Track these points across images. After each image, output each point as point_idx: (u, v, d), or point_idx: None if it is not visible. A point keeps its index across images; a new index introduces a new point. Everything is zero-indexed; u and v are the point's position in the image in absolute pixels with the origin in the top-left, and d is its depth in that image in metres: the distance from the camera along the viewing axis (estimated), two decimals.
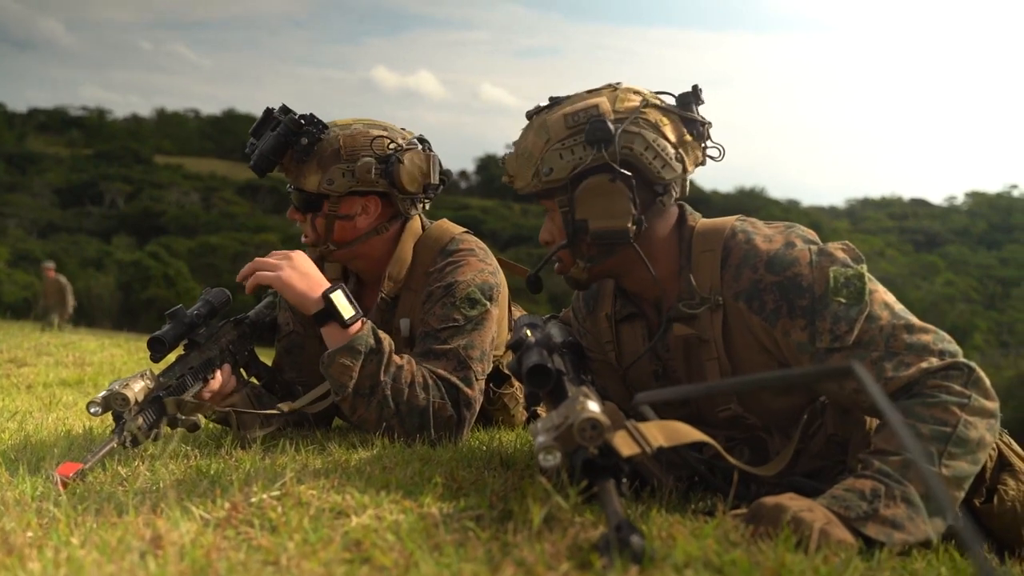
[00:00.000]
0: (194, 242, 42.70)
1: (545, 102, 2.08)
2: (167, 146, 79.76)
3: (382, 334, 2.41)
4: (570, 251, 2.05)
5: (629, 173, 1.95)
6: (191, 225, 48.36)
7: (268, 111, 2.62)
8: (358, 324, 2.38)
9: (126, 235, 47.12)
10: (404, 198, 2.65)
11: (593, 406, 1.43)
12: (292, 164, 2.59)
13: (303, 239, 2.70)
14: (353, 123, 2.64)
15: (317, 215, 2.63)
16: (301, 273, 2.41)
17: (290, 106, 2.62)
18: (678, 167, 2.00)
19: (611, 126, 1.93)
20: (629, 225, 1.97)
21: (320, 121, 2.59)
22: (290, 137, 2.56)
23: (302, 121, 2.57)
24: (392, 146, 2.60)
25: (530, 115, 2.08)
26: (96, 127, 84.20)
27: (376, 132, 2.61)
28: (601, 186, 1.96)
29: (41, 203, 51.85)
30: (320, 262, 2.68)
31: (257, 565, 1.27)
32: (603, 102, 1.99)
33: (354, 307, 2.39)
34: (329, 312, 2.37)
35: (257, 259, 2.47)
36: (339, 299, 2.37)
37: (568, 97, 2.06)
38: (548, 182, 1.99)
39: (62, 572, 1.23)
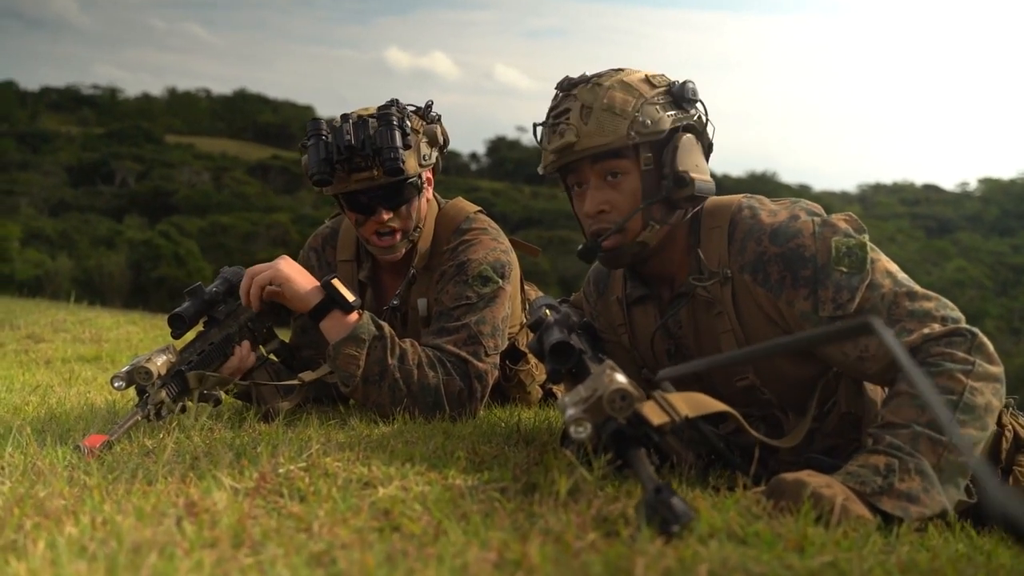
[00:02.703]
0: (205, 222, 42.70)
1: (556, 85, 2.11)
2: (178, 125, 79.65)
3: (381, 321, 2.43)
4: (643, 214, 2.05)
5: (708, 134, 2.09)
6: (202, 205, 48.33)
7: (357, 117, 2.51)
8: (356, 314, 2.39)
9: (137, 214, 47.14)
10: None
11: (621, 378, 1.45)
12: None
13: (382, 243, 2.62)
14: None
15: (412, 200, 2.61)
16: (296, 269, 2.43)
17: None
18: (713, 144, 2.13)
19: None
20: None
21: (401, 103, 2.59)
22: (403, 124, 2.51)
23: (395, 107, 2.52)
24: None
25: (567, 86, 2.08)
26: (108, 106, 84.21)
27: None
28: (692, 143, 2.06)
29: (52, 181, 51.82)
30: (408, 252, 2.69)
31: (290, 531, 1.29)
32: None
33: (353, 294, 2.41)
34: (329, 301, 2.38)
35: (248, 269, 2.46)
36: (339, 285, 2.39)
37: (618, 70, 2.08)
38: (647, 134, 2.01)
39: (100, 535, 1.26)
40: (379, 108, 2.54)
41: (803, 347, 1.97)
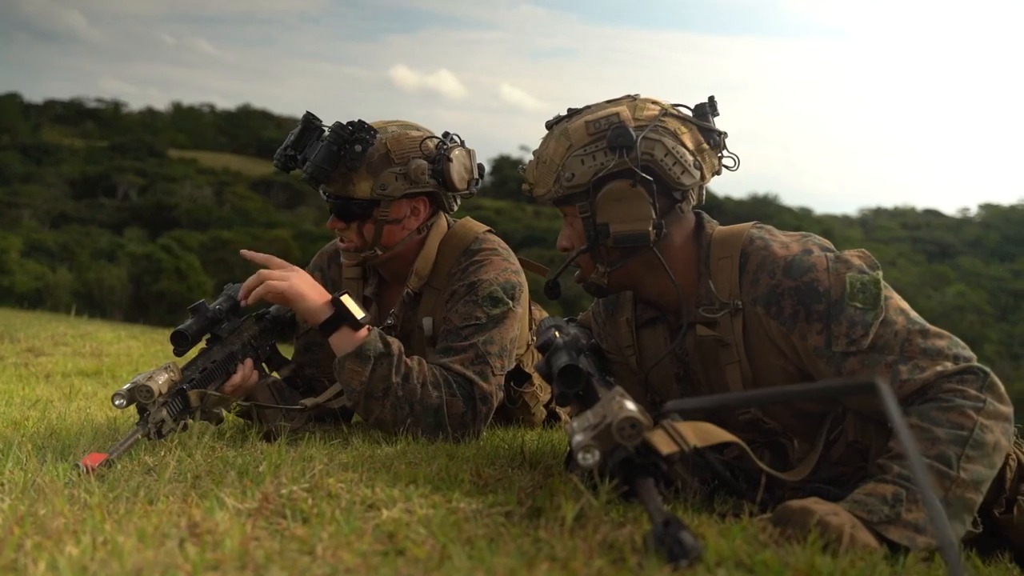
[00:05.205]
0: (206, 236, 42.72)
1: (564, 106, 2.15)
2: (181, 140, 79.66)
3: (390, 338, 2.43)
4: (590, 257, 2.08)
5: (650, 178, 1.99)
6: (203, 219, 48.38)
7: (309, 120, 2.59)
8: (365, 331, 2.40)
9: (139, 228, 47.16)
10: (451, 196, 2.69)
11: (631, 405, 1.44)
12: (338, 173, 2.56)
13: (342, 245, 2.69)
14: (388, 125, 2.65)
15: (365, 222, 2.61)
16: (308, 285, 2.44)
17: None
18: (696, 174, 2.04)
19: (632, 132, 1.97)
20: (649, 229, 2.00)
21: (371, 127, 2.57)
22: (343, 144, 2.53)
23: (350, 128, 2.54)
24: (437, 144, 2.63)
25: (550, 125, 2.12)
26: (111, 119, 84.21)
27: (416, 133, 2.63)
28: (622, 191, 2.00)
29: (55, 194, 51.86)
30: (361, 267, 2.72)
31: (293, 554, 1.28)
32: (623, 110, 2.03)
33: (363, 310, 2.42)
34: (339, 317, 2.39)
35: (262, 271, 2.46)
36: (348, 302, 2.41)
37: (588, 107, 2.09)
38: (569, 187, 2.02)
39: (101, 556, 1.24)
40: (335, 124, 2.57)
41: (808, 397, 1.97)
